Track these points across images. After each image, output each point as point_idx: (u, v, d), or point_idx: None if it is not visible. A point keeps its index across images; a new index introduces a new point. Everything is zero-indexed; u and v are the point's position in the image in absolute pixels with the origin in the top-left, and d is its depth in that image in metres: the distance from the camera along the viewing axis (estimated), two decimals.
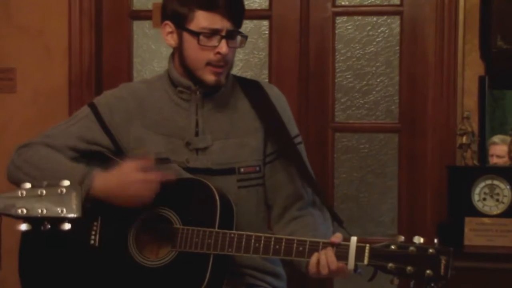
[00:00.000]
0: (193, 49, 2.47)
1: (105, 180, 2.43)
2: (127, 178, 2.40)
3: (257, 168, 2.56)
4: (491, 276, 3.00)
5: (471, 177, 3.23)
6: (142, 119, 2.57)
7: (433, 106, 3.51)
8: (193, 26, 2.46)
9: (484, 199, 3.22)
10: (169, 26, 2.52)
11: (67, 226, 1.96)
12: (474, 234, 3.17)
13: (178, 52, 2.53)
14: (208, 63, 2.47)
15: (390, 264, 2.18)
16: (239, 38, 2.51)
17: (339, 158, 3.67)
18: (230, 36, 2.47)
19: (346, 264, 2.24)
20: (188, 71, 2.52)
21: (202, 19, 2.45)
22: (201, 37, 2.44)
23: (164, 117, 2.56)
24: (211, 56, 2.46)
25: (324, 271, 2.26)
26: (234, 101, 2.59)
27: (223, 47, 2.45)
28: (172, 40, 2.53)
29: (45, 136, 2.60)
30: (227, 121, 2.55)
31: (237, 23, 2.49)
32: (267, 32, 3.69)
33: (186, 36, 2.48)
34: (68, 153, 2.56)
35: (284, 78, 3.61)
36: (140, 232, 2.49)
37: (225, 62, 2.48)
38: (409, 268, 2.16)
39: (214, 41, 2.45)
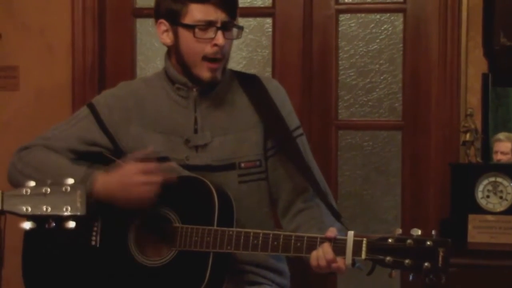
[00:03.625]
0: (189, 43, 2.47)
1: (106, 182, 2.43)
2: (129, 180, 2.40)
3: (258, 163, 2.56)
4: (494, 273, 3.00)
5: (474, 174, 3.23)
6: (141, 117, 2.57)
7: (437, 104, 3.51)
8: (187, 20, 2.46)
9: (488, 196, 3.21)
10: (164, 24, 2.52)
11: (71, 224, 1.96)
12: (477, 231, 3.18)
13: (174, 50, 2.53)
14: (205, 57, 2.46)
15: (388, 258, 2.17)
16: (235, 30, 2.51)
17: (343, 155, 3.67)
18: (225, 27, 2.46)
19: (344, 258, 2.24)
20: (185, 69, 2.52)
21: (196, 12, 2.44)
22: (196, 29, 2.44)
23: (162, 115, 2.56)
24: (207, 48, 2.45)
25: (322, 262, 2.26)
26: (232, 96, 2.58)
27: (219, 38, 2.44)
28: (168, 38, 2.52)
29: (45, 138, 2.60)
30: (226, 117, 2.55)
31: (232, 14, 2.48)
32: (270, 30, 3.69)
33: (182, 31, 2.48)
34: (68, 155, 2.56)
35: (288, 76, 3.60)
36: (140, 232, 2.50)
37: (222, 55, 2.48)
38: (407, 261, 2.16)
39: (210, 33, 2.45)
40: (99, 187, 2.43)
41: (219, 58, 2.48)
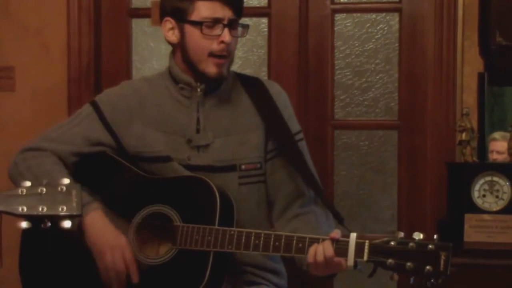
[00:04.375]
0: (196, 39, 2.47)
1: (96, 222, 2.45)
2: (113, 246, 2.42)
3: (258, 165, 2.55)
4: (491, 272, 3.00)
5: (470, 173, 3.23)
6: (143, 116, 2.57)
7: (433, 103, 3.51)
8: (194, 17, 2.46)
9: (484, 195, 3.22)
10: (170, 22, 2.53)
11: (67, 224, 1.96)
12: (474, 231, 3.18)
13: (180, 47, 2.53)
14: (211, 54, 2.47)
15: (390, 260, 2.18)
16: (240, 29, 2.52)
17: (339, 155, 3.68)
18: (232, 25, 2.48)
19: (346, 260, 2.24)
20: (191, 66, 2.52)
21: (203, 9, 2.45)
22: (203, 26, 2.45)
23: (165, 114, 2.56)
24: (214, 45, 2.46)
25: (320, 258, 2.26)
26: (235, 98, 2.58)
27: (226, 35, 2.45)
28: (174, 36, 2.53)
29: (50, 139, 2.59)
30: (228, 118, 2.55)
31: (238, 12, 2.50)
32: (266, 29, 3.69)
33: (188, 28, 2.48)
34: (72, 159, 2.56)
35: (284, 75, 3.60)
36: (140, 230, 2.49)
37: (228, 52, 2.48)
38: (408, 264, 2.16)
39: (217, 30, 2.45)
40: (87, 219, 2.44)
41: (225, 55, 2.49)
